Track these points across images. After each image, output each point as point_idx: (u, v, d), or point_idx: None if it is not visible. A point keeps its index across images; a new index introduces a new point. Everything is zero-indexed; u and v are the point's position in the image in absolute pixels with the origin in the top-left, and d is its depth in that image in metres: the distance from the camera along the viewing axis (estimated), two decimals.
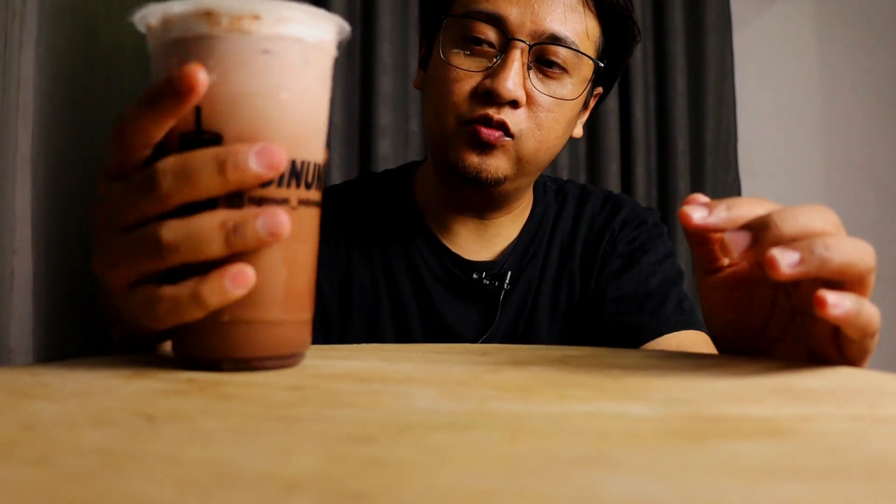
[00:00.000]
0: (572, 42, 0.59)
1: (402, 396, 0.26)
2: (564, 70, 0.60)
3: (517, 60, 0.58)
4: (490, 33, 0.59)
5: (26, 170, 0.53)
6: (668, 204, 1.48)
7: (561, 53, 0.59)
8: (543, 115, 0.60)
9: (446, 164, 0.62)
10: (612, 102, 1.44)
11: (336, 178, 1.26)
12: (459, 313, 0.67)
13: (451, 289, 0.67)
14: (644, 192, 1.46)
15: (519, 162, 0.60)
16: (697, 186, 1.50)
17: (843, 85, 1.61)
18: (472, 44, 0.60)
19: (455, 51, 0.61)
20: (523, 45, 0.58)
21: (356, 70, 1.31)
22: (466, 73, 0.60)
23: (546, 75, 0.60)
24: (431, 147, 0.66)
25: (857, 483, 0.16)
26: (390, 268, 0.67)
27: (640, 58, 1.46)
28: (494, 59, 0.59)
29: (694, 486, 0.15)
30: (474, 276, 0.66)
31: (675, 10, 1.48)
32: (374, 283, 0.67)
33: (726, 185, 1.51)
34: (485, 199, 0.65)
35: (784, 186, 1.59)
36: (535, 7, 0.59)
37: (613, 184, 1.44)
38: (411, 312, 0.66)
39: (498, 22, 0.59)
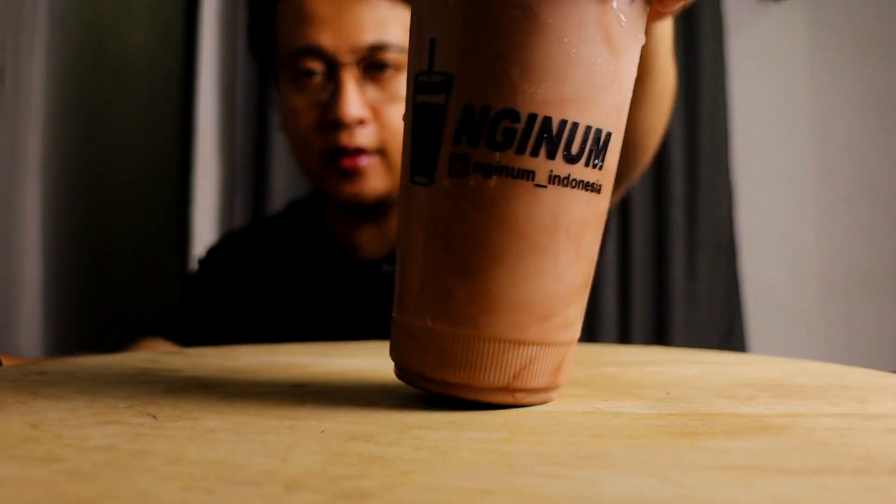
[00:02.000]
0: (393, 44, 0.59)
1: (401, 395, 0.26)
2: (397, 69, 0.60)
3: (349, 82, 0.58)
4: (315, 65, 0.59)
5: (36, 174, 0.53)
6: (663, 208, 1.49)
7: (388, 57, 0.59)
8: (395, 120, 0.60)
9: (327, 196, 0.63)
10: None
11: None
12: (378, 310, 0.68)
13: (363, 293, 0.67)
14: (639, 196, 1.47)
15: (392, 171, 0.61)
16: (692, 190, 1.51)
17: (836, 91, 1.62)
18: (305, 79, 0.60)
19: (293, 91, 0.61)
20: (349, 65, 0.58)
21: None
22: (309, 110, 0.60)
23: (382, 81, 0.60)
24: (309, 182, 0.68)
25: (847, 479, 0.16)
26: (306, 290, 0.69)
27: None
28: (330, 87, 0.59)
29: (688, 483, 0.16)
30: (384, 267, 0.67)
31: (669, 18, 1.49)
32: (291, 308, 0.68)
33: (721, 190, 1.52)
34: (378, 211, 0.65)
35: (778, 190, 1.60)
36: (346, 25, 0.58)
37: None
38: (337, 325, 0.67)
39: (317, 52, 0.59)
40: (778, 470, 0.17)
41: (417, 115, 0.24)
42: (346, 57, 0.58)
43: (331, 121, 0.58)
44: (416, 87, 0.24)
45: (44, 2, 0.58)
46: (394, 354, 0.26)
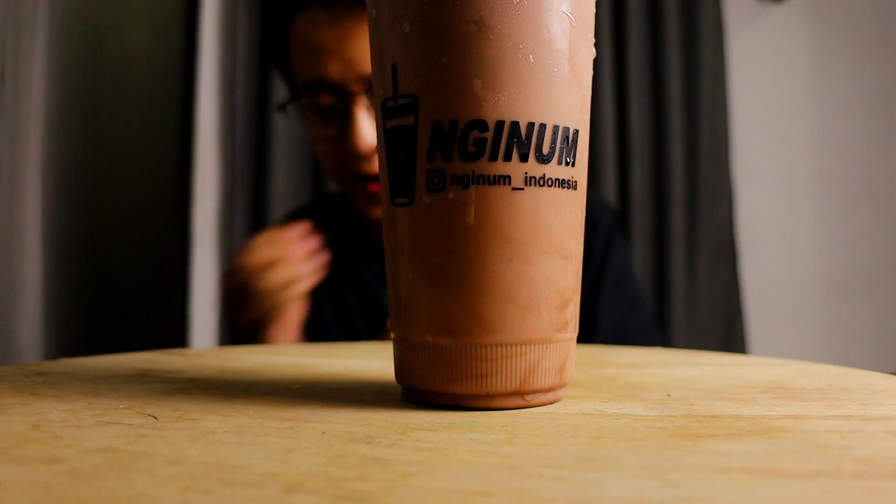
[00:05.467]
0: None
1: (401, 397, 0.26)
2: None
3: (360, 112, 0.58)
4: (326, 98, 0.59)
5: (36, 175, 0.54)
6: (663, 209, 1.49)
7: None
8: None
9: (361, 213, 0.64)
10: (609, 110, 1.45)
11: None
12: None
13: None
14: (640, 197, 1.47)
15: None
16: (692, 192, 1.51)
17: (836, 91, 1.62)
18: (322, 109, 0.60)
19: (313, 120, 0.62)
20: (359, 94, 0.58)
21: None
22: (328, 140, 0.60)
23: None
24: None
25: (848, 482, 0.16)
26: (336, 281, 0.69)
27: (635, 66, 1.47)
28: (344, 117, 0.59)
29: (688, 486, 0.16)
30: None
31: (669, 19, 1.49)
32: (319, 296, 0.68)
33: (720, 191, 1.52)
34: None
35: (778, 191, 1.60)
36: (351, 54, 0.58)
37: (610, 189, 1.44)
38: (356, 318, 0.68)
39: (326, 84, 0.58)
40: (779, 472, 0.17)
41: (390, 140, 0.25)
42: (355, 87, 0.58)
43: (348, 151, 0.59)
44: (385, 112, 0.25)
45: (44, 2, 0.59)
46: (399, 377, 0.26)
